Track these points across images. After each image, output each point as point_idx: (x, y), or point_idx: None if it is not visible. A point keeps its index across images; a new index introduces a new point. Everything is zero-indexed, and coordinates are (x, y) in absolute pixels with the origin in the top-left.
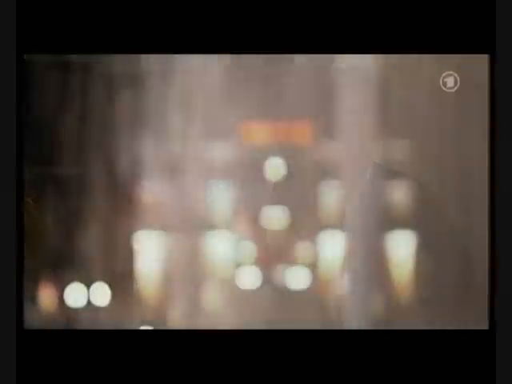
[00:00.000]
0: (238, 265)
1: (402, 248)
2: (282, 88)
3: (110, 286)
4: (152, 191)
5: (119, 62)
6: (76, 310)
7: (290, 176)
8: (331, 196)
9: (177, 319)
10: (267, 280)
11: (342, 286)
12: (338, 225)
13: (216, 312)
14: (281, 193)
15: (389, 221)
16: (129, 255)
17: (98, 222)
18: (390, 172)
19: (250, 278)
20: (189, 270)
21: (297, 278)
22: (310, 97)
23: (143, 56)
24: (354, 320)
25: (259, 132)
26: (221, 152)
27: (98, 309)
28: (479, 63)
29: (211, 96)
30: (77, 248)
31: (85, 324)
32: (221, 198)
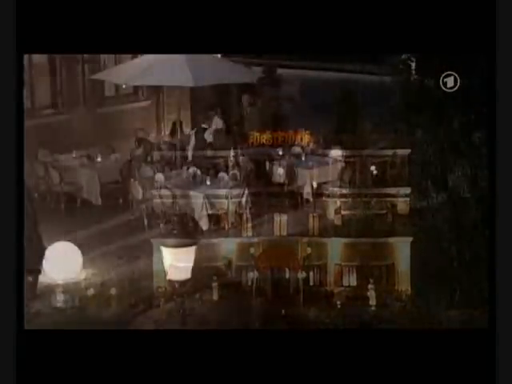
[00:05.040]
0: (245, 267)
1: (400, 251)
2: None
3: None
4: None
5: None
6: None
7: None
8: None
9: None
10: (273, 281)
11: (342, 286)
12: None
13: (225, 313)
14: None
15: (388, 226)
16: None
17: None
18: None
19: (255, 280)
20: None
21: (301, 278)
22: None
23: None
24: (354, 320)
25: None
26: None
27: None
28: (479, 63)
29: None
30: None
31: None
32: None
